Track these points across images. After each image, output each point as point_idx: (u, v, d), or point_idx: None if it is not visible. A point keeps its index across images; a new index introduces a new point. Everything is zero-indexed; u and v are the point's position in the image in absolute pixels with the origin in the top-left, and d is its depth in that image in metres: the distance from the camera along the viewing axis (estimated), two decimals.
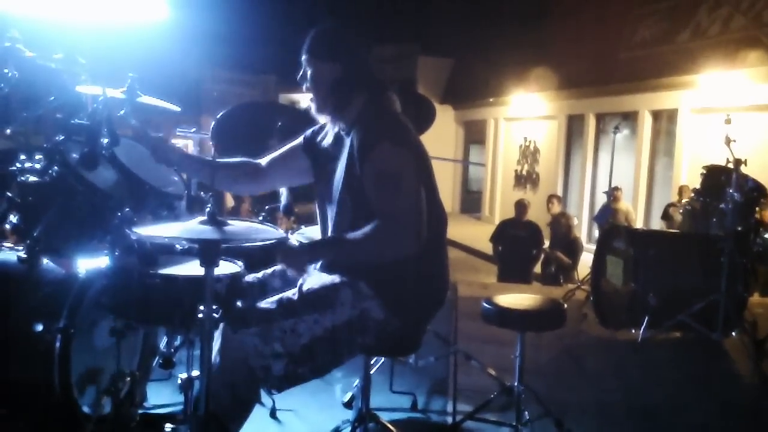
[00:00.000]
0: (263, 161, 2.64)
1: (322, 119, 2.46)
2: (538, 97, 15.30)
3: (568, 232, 8.79)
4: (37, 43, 2.75)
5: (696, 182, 5.17)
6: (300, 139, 2.59)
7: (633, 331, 4.57)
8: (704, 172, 4.96)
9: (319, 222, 2.53)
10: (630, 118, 12.08)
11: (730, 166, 4.46)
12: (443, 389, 3.59)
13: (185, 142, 5.51)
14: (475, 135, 19.80)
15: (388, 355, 3.03)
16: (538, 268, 9.02)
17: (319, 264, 2.38)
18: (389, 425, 2.76)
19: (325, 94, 2.37)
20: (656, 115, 12.16)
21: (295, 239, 3.04)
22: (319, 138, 2.53)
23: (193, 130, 4.11)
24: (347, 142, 2.36)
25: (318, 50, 2.36)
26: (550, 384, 3.57)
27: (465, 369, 3.67)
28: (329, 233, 2.42)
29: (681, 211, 6.24)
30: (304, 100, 2.57)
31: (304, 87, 2.41)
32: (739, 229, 4.53)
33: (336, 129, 2.44)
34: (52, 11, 4.36)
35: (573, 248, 8.62)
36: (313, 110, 2.43)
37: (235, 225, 2.10)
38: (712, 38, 10.69)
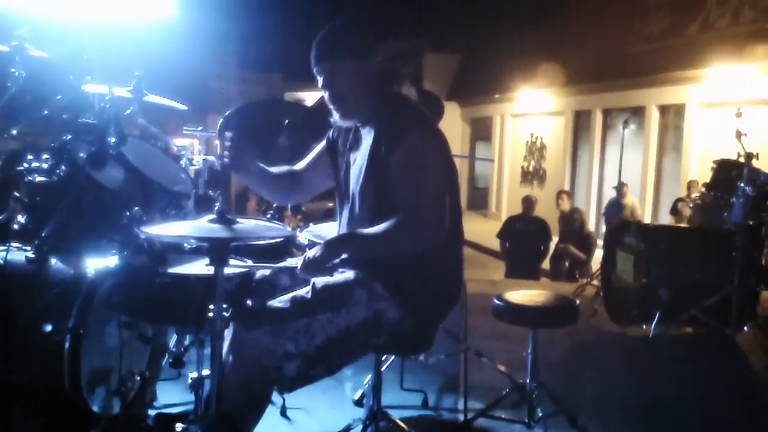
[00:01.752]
0: (299, 167, 2.61)
1: (348, 124, 2.40)
2: (544, 93, 15.24)
3: (582, 227, 8.74)
4: (43, 42, 2.74)
5: (705, 177, 5.14)
6: (323, 142, 2.56)
7: (644, 326, 4.54)
8: (715, 166, 4.92)
9: (337, 217, 2.51)
10: (637, 113, 12.01)
11: (742, 160, 4.43)
12: (454, 386, 3.56)
13: (191, 141, 5.50)
14: (481, 132, 19.76)
15: (400, 354, 3.01)
16: (545, 264, 8.99)
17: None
18: (400, 423, 2.74)
19: (345, 94, 2.30)
20: (664, 110, 12.09)
21: (303, 237, 3.02)
22: (336, 134, 2.51)
23: (200, 128, 4.09)
24: (365, 133, 2.33)
25: (325, 55, 2.29)
26: (562, 381, 3.54)
27: (476, 366, 3.64)
28: (346, 227, 2.39)
29: (691, 205, 6.20)
30: (310, 98, 2.54)
31: (325, 98, 2.34)
32: (751, 223, 4.48)
33: (353, 123, 2.41)
34: (58, 10, 4.36)
35: (587, 243, 8.56)
36: (337, 119, 2.37)
37: (244, 223, 2.09)
38: (721, 31, 10.62)
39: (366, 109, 2.33)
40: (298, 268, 2.20)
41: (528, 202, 9.10)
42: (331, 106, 2.35)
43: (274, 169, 2.56)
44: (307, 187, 2.64)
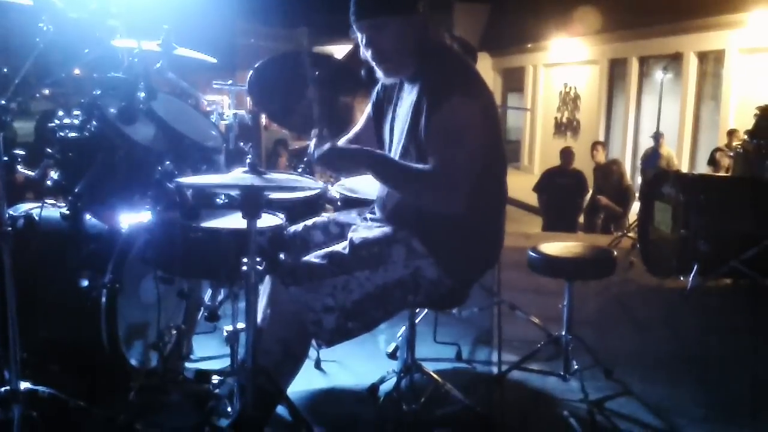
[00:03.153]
0: (353, 136, 2.57)
1: (392, 81, 2.35)
2: (578, 42, 14.85)
3: (621, 180, 8.54)
4: None
5: (744, 126, 4.98)
6: (369, 106, 2.53)
7: (682, 278, 4.46)
8: (758, 113, 4.76)
9: None
10: (675, 60, 11.66)
11: None
12: (487, 340, 3.55)
13: (221, 97, 5.48)
14: (513, 83, 19.39)
15: (435, 309, 3.00)
16: (581, 218, 8.87)
17: (369, 216, 2.33)
18: (435, 375, 2.74)
19: (389, 55, 2.23)
20: (702, 56, 11.71)
21: (335, 191, 3.00)
22: (381, 92, 2.46)
23: (230, 82, 4.05)
24: (410, 89, 2.27)
25: (367, 11, 2.20)
26: (597, 334, 3.51)
27: (509, 319, 3.62)
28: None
29: (731, 154, 6.02)
30: (338, 52, 2.50)
31: (363, 55, 2.28)
32: None
33: (397, 79, 2.35)
34: None
35: (625, 196, 8.38)
36: (381, 76, 2.31)
37: (276, 176, 2.06)
38: None
39: (411, 65, 2.26)
40: (314, 154, 2.19)
41: (567, 154, 8.91)
42: (375, 64, 2.28)
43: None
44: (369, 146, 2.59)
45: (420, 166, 2.15)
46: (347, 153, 2.24)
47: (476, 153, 2.16)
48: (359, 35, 2.26)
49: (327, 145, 2.19)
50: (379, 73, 2.31)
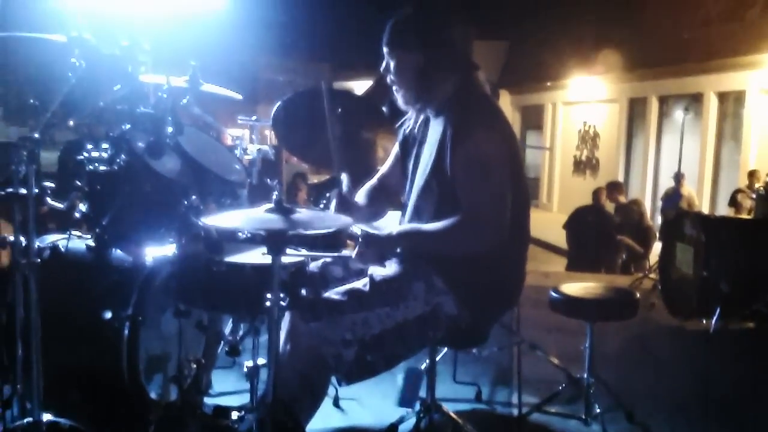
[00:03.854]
0: (378, 179, 2.62)
1: (411, 111, 2.40)
2: (598, 80, 14.91)
3: (642, 220, 8.49)
4: (102, 34, 2.78)
5: (766, 166, 4.96)
6: (396, 145, 2.56)
7: (704, 320, 4.40)
8: None
9: (403, 209, 2.49)
10: (695, 100, 11.67)
11: None
12: (507, 380, 3.51)
13: (243, 131, 5.55)
14: (532, 120, 19.45)
15: (455, 348, 2.98)
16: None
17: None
18: (454, 416, 2.71)
19: (411, 84, 2.29)
20: (722, 96, 11.70)
21: (357, 228, 3.00)
22: (405, 128, 2.49)
23: (254, 118, 4.10)
24: (435, 124, 2.30)
25: (398, 41, 2.27)
26: (619, 375, 3.46)
27: (530, 359, 3.58)
28: (409, 219, 2.37)
29: (753, 196, 5.98)
30: (359, 87, 2.54)
31: (388, 79, 2.34)
32: None
33: (423, 115, 2.38)
34: (115, 3, 4.43)
35: (646, 236, 8.33)
36: (400, 103, 2.36)
37: (301, 212, 2.07)
38: None
39: (432, 99, 2.30)
40: (353, 256, 2.19)
41: (600, 194, 8.91)
42: (396, 93, 2.33)
43: (366, 193, 2.59)
44: (395, 188, 2.61)
45: (448, 221, 2.15)
46: (378, 244, 2.23)
47: (504, 187, 2.17)
48: (387, 60, 2.31)
49: (356, 251, 2.20)
50: (399, 101, 2.34)
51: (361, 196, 2.59)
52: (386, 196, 2.62)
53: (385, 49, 2.30)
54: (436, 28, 2.28)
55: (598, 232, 8.49)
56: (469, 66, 2.33)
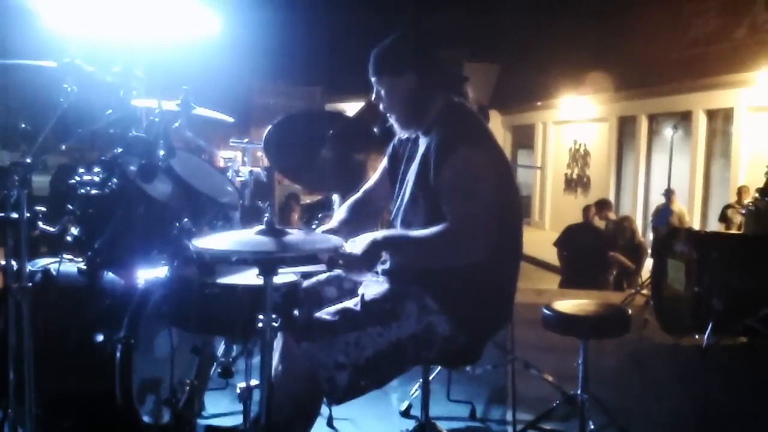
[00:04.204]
0: (364, 192, 2.63)
1: (409, 134, 2.42)
2: (587, 100, 15.04)
3: (633, 237, 8.55)
4: (94, 60, 2.80)
5: (755, 183, 5.00)
6: (384, 159, 2.58)
7: (697, 336, 4.41)
8: None
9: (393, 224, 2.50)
10: (684, 118, 11.77)
11: None
12: (502, 398, 3.52)
13: (235, 154, 5.57)
14: (523, 139, 19.58)
15: (448, 366, 2.98)
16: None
17: (381, 270, 2.34)
18: None
19: (405, 108, 2.32)
20: (711, 114, 11.81)
21: (349, 247, 3.01)
22: (398, 144, 2.51)
23: (246, 140, 4.13)
24: (423, 141, 2.33)
25: (385, 68, 2.31)
26: (612, 392, 3.47)
27: (523, 377, 3.59)
28: None
29: (743, 212, 6.02)
30: (350, 109, 2.57)
31: (381, 107, 2.37)
32: None
33: (414, 133, 2.42)
34: (107, 29, 4.46)
35: (638, 253, 8.37)
36: (397, 129, 2.39)
37: (292, 234, 2.09)
38: None
39: (425, 120, 2.33)
40: (339, 259, 2.20)
41: (590, 211, 8.97)
42: (390, 117, 2.36)
43: (348, 208, 2.59)
44: (379, 203, 2.64)
45: (433, 229, 2.15)
46: (365, 251, 2.19)
47: (491, 204, 2.17)
48: (377, 89, 2.34)
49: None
50: (395, 126, 2.37)
51: (343, 210, 2.60)
52: (370, 211, 2.64)
53: (373, 79, 2.33)
54: (422, 48, 2.33)
55: (590, 249, 8.52)
56: (459, 82, 2.36)
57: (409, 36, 2.35)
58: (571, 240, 8.74)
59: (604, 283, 8.51)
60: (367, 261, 2.18)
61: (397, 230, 2.35)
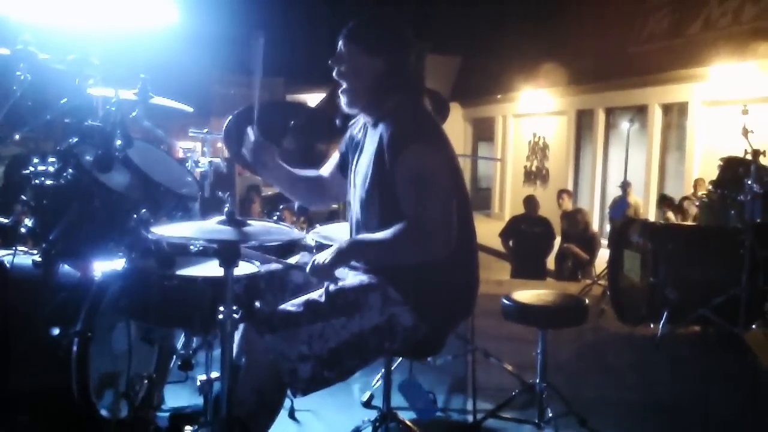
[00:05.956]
0: (324, 172, 2.59)
1: (351, 112, 2.37)
2: (546, 93, 15.22)
3: (586, 228, 8.71)
4: (48, 47, 2.73)
5: (709, 175, 5.12)
6: (342, 145, 2.54)
7: (652, 326, 4.52)
8: (721, 163, 4.90)
9: (348, 218, 2.49)
10: (640, 112, 12.00)
11: (749, 157, 4.41)
12: (462, 387, 3.55)
13: (194, 144, 5.51)
14: (483, 132, 19.74)
15: (410, 357, 3.00)
16: (551, 264, 8.97)
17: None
18: (410, 424, 2.72)
19: (362, 89, 2.26)
20: (666, 108, 12.07)
21: (311, 238, 3.01)
22: (346, 137, 2.49)
23: (206, 131, 4.08)
24: (372, 134, 2.30)
25: (362, 40, 2.23)
26: (570, 381, 3.53)
27: (484, 367, 3.63)
28: (355, 229, 2.38)
29: (697, 203, 6.18)
30: (312, 100, 2.53)
31: (335, 72, 2.28)
32: (759, 221, 4.46)
33: (363, 120, 2.40)
34: (62, 16, 4.35)
35: (591, 244, 8.54)
36: (343, 103, 2.32)
37: (253, 225, 2.07)
38: (723, 30, 10.59)
39: (375, 109, 2.30)
40: (307, 270, 2.19)
41: (531, 203, 9.12)
42: (341, 87, 2.29)
43: (300, 172, 2.55)
44: (332, 191, 2.61)
45: (394, 229, 2.14)
46: (330, 261, 2.18)
47: (447, 196, 2.17)
48: (342, 50, 2.26)
49: (309, 264, 2.19)
50: (342, 98, 2.30)
51: (302, 171, 2.56)
52: (322, 189, 2.60)
53: (343, 41, 2.25)
54: (405, 42, 2.27)
55: (534, 239, 8.73)
56: (420, 87, 2.34)
57: (399, 23, 2.30)
58: (515, 230, 8.94)
59: (560, 272, 8.69)
60: (333, 270, 2.18)
61: (361, 235, 2.33)
